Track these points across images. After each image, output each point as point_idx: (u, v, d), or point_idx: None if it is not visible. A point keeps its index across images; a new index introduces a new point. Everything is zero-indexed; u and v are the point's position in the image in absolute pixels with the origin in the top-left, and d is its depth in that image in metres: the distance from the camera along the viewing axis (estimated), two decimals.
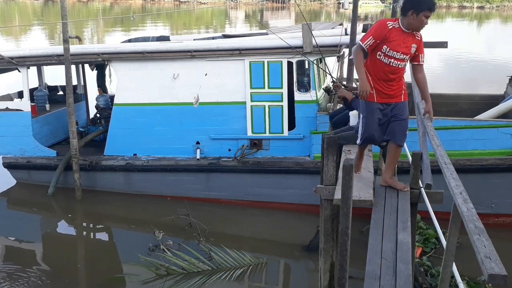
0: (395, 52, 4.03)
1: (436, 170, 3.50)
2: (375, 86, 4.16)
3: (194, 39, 8.22)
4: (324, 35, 6.84)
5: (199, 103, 7.13)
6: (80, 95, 9.08)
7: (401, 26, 3.99)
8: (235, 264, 5.74)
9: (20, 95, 8.24)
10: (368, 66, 4.18)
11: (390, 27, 4.01)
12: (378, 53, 4.08)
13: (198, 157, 7.23)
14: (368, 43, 4.07)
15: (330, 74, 6.86)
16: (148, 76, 7.22)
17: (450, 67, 18.76)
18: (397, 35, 4.00)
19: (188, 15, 52.12)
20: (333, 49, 6.80)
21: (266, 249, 6.42)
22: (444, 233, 2.80)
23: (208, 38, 8.40)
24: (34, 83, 8.72)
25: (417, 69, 4.23)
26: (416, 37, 4.09)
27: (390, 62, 4.07)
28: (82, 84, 9.14)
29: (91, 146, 8.13)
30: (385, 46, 4.01)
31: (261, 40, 7.08)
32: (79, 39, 9.19)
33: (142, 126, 7.37)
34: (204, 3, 72.34)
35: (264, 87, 6.93)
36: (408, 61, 4.17)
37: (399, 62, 4.08)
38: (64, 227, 7.31)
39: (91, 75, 9.40)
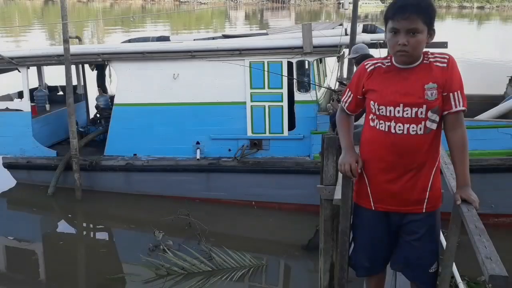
0: (388, 107, 2.37)
1: None
2: (370, 178, 2.53)
3: (194, 39, 8.22)
4: (324, 35, 6.84)
5: (199, 103, 7.13)
6: (80, 95, 9.08)
7: (395, 62, 2.40)
8: (235, 265, 5.74)
9: (20, 95, 8.24)
10: (363, 142, 2.58)
11: (369, 69, 2.46)
12: (370, 116, 2.49)
13: (198, 157, 7.23)
14: (345, 99, 2.62)
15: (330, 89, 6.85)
16: (148, 76, 7.22)
17: None
18: (385, 79, 2.40)
19: (188, 15, 52.11)
20: (333, 49, 6.80)
21: (266, 249, 6.42)
22: (444, 233, 2.80)
23: (208, 38, 8.41)
24: (34, 83, 8.72)
25: (448, 122, 2.38)
26: (437, 66, 2.32)
27: (389, 127, 2.39)
28: (82, 84, 9.15)
29: (91, 146, 8.13)
30: (372, 102, 2.44)
31: (261, 40, 7.08)
32: (79, 39, 9.20)
33: (142, 126, 7.37)
34: (204, 3, 72.32)
35: (264, 87, 6.93)
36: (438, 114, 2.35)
37: (408, 125, 2.35)
38: (64, 227, 7.31)
39: (91, 75, 9.41)
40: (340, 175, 2.70)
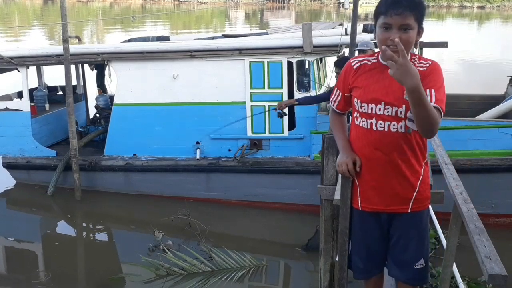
0: (370, 105, 2.36)
1: (436, 170, 3.49)
2: (358, 176, 2.52)
3: (194, 39, 8.22)
4: (324, 35, 6.84)
5: (199, 103, 7.13)
6: (79, 95, 9.08)
7: (381, 59, 2.37)
8: (235, 265, 5.73)
9: (19, 95, 8.23)
10: (349, 141, 2.57)
11: (355, 66, 2.44)
12: (355, 114, 2.49)
13: (198, 157, 7.23)
14: (334, 99, 2.60)
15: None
16: (148, 76, 7.22)
17: (450, 67, 18.74)
18: (369, 76, 2.38)
19: (188, 15, 52.10)
20: (333, 49, 6.80)
21: (266, 249, 6.41)
22: (444, 233, 2.80)
23: (208, 38, 8.40)
24: (34, 83, 8.71)
25: None
26: (419, 70, 2.17)
27: (370, 124, 2.38)
28: (82, 84, 9.14)
29: (90, 146, 8.12)
30: (355, 99, 2.43)
31: (261, 40, 7.07)
32: (79, 39, 9.19)
33: (142, 126, 7.36)
34: (204, 3, 72.27)
35: (264, 87, 6.92)
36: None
37: (388, 122, 2.34)
38: (64, 228, 7.31)
39: (91, 75, 9.40)
40: (340, 175, 2.70)
